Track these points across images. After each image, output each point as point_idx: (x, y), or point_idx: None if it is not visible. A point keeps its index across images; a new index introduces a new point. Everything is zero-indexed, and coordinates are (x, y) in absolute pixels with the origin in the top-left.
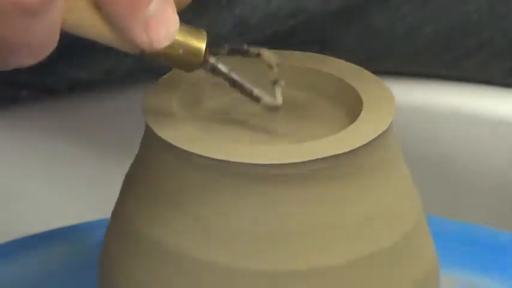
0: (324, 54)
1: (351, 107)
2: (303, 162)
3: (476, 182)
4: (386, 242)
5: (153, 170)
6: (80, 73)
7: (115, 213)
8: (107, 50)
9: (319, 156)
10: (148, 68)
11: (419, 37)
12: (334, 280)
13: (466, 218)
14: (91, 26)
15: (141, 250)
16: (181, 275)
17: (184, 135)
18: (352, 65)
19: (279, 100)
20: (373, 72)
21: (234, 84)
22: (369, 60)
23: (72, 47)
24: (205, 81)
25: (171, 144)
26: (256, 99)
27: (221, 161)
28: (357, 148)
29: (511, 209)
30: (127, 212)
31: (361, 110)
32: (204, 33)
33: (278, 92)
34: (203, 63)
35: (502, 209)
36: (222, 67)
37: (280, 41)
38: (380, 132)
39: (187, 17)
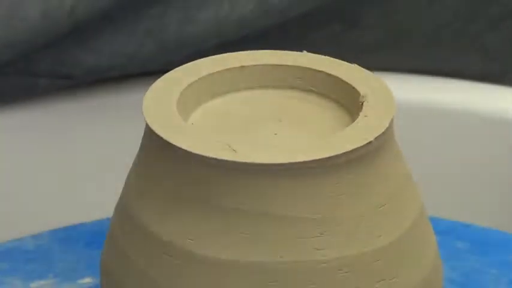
0: (345, 32)
1: (351, 107)
2: (304, 162)
3: (476, 182)
4: (392, 236)
5: (154, 170)
6: (101, 59)
7: (118, 211)
8: (129, 34)
9: (320, 156)
10: (171, 51)
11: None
12: (349, 272)
13: (465, 218)
14: None
15: (147, 246)
16: (186, 270)
17: (183, 135)
18: (352, 64)
19: None
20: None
21: None
22: (390, 39)
23: (92, 32)
24: (205, 81)
25: (171, 144)
26: None
27: (221, 160)
28: (357, 148)
29: (511, 209)
30: (131, 210)
31: (361, 110)
32: None
33: None
34: None
35: (502, 209)
36: None
37: (302, 21)
38: (380, 131)
39: (191, 8)
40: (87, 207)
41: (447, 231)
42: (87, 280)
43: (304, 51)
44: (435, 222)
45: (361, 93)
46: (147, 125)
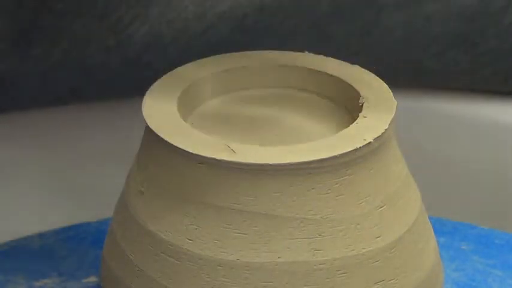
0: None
1: (351, 107)
2: (304, 162)
3: (475, 183)
4: (391, 237)
5: (153, 169)
6: None
7: (118, 210)
8: None
9: (319, 157)
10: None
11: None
12: (353, 271)
13: (465, 218)
14: None
15: (147, 246)
16: (184, 270)
17: (183, 135)
18: (352, 65)
19: None
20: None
21: None
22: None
23: None
24: (205, 81)
25: (171, 145)
26: None
27: (221, 161)
28: (357, 148)
29: (510, 209)
30: (130, 210)
31: (361, 111)
32: None
33: None
34: None
35: (500, 209)
36: None
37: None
38: (380, 132)
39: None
40: (91, 207)
41: (452, 233)
42: (92, 279)
43: (306, 52)
44: (440, 223)
45: (361, 94)
46: (147, 125)
